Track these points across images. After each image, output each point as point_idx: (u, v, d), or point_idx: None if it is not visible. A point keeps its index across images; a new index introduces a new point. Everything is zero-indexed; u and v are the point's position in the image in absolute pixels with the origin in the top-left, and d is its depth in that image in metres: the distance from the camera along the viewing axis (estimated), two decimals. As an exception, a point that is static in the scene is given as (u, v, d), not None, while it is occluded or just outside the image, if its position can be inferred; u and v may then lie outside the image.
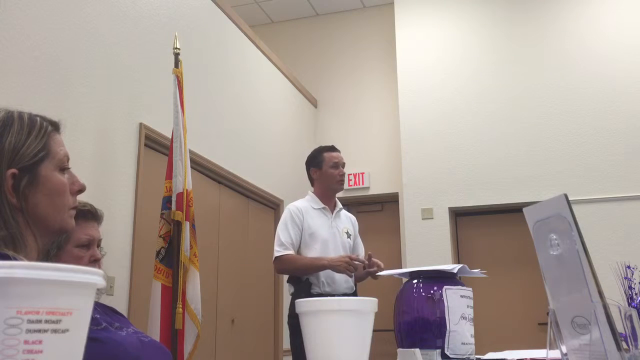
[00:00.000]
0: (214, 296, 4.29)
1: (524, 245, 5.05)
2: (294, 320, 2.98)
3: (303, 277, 3.05)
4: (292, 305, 3.08)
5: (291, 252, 3.06)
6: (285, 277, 3.27)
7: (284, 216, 3.16)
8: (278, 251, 3.06)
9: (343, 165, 3.28)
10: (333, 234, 3.16)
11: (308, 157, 3.33)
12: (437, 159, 5.68)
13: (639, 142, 5.16)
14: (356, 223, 3.40)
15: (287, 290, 3.28)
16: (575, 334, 0.94)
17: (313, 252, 3.08)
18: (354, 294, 3.16)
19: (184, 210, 3.17)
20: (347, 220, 3.33)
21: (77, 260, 1.60)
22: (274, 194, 5.33)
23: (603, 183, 5.18)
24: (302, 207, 3.17)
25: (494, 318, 5.25)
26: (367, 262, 3.02)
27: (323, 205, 3.21)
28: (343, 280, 3.07)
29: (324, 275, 3.03)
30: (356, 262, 2.95)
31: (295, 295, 3.07)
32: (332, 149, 3.31)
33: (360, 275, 3.14)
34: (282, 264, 3.07)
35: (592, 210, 5.07)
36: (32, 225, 1.06)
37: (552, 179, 5.30)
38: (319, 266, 2.99)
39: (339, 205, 3.32)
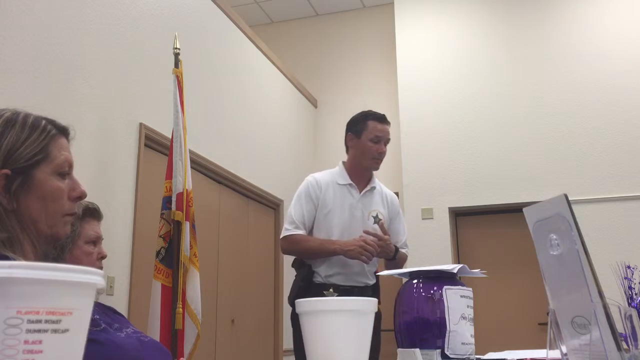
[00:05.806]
0: (214, 296, 4.28)
1: (524, 245, 5.04)
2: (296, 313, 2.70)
3: (308, 262, 2.61)
4: (292, 294, 2.64)
5: (302, 232, 2.59)
6: (288, 266, 3.00)
7: (300, 188, 2.68)
8: (287, 229, 2.60)
9: (387, 142, 2.69)
10: (354, 216, 2.61)
11: (350, 119, 2.75)
12: (437, 159, 5.68)
13: (639, 142, 5.17)
14: (395, 202, 2.79)
15: (287, 289, 2.98)
16: (575, 334, 0.94)
17: (324, 236, 2.60)
18: (375, 286, 2.68)
19: (184, 210, 3.17)
20: (381, 201, 2.72)
21: (88, 256, 1.64)
22: (274, 194, 5.33)
23: (603, 183, 5.18)
24: (322, 180, 2.66)
25: (494, 318, 5.25)
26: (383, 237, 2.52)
27: (350, 182, 2.66)
28: (358, 270, 2.58)
29: (334, 262, 2.55)
30: (371, 246, 2.42)
31: (295, 283, 2.66)
32: (382, 119, 2.70)
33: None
34: (288, 245, 2.63)
35: (592, 210, 5.07)
36: (26, 228, 1.05)
37: (552, 179, 5.29)
38: (329, 251, 2.51)
39: (374, 183, 2.72)
